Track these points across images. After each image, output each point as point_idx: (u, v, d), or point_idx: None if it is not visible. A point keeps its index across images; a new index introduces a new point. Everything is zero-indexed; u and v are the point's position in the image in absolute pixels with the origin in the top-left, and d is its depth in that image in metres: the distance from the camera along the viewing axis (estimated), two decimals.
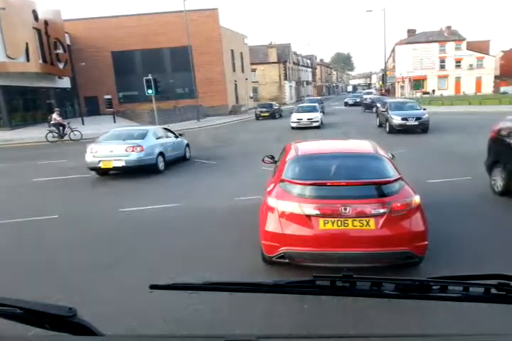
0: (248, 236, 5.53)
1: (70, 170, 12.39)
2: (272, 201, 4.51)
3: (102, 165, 10.80)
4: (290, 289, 1.18)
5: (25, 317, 1.08)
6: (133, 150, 10.74)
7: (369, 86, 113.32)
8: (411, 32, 63.84)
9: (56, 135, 21.24)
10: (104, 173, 11.41)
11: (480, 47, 61.23)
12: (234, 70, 43.37)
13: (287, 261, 4.37)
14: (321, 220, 4.19)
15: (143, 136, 11.38)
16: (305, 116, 22.75)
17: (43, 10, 29.52)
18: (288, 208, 4.34)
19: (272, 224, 4.38)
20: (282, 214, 4.36)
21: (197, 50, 37.91)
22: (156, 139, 11.63)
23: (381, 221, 4.14)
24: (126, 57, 39.02)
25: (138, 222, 7.01)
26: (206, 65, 38.28)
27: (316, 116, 22.90)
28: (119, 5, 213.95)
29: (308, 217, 4.23)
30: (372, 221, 4.14)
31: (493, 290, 1.04)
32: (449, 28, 61.38)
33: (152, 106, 32.49)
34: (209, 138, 21.14)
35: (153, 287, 1.19)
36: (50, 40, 30.32)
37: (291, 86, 67.91)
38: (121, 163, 10.74)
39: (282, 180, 4.64)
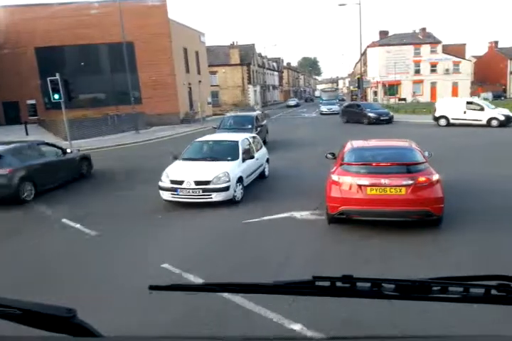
0: None
1: None
2: (335, 177, 7.01)
3: None
4: (290, 290, 1.19)
5: (24, 318, 1.06)
6: None
7: (335, 91, 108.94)
8: (383, 34, 59.57)
9: None
10: None
11: (456, 51, 57.82)
12: (188, 72, 37.23)
13: (344, 216, 6.84)
14: (368, 188, 6.65)
15: None
16: (191, 176, 8.74)
17: None
18: (346, 180, 6.85)
19: (334, 192, 6.93)
20: (342, 184, 6.88)
21: (141, 47, 31.70)
22: None
23: (409, 189, 6.54)
24: (53, 54, 32.08)
25: None
26: (152, 64, 31.97)
27: (223, 172, 8.78)
28: None
29: (360, 186, 6.72)
30: (403, 189, 6.55)
31: (494, 291, 1.04)
32: (423, 30, 57.43)
33: (86, 113, 26.15)
34: (130, 162, 15.03)
35: (152, 288, 1.17)
36: None
37: (255, 90, 62.35)
38: None
39: (342, 163, 7.22)
